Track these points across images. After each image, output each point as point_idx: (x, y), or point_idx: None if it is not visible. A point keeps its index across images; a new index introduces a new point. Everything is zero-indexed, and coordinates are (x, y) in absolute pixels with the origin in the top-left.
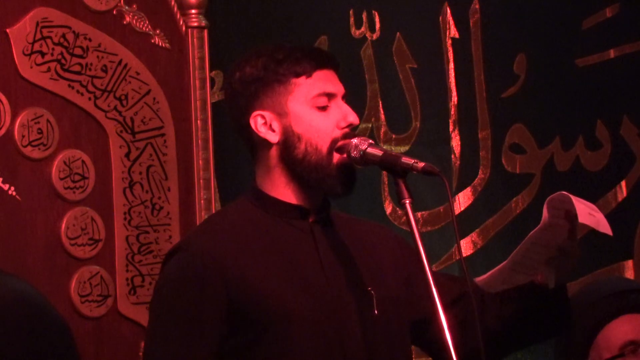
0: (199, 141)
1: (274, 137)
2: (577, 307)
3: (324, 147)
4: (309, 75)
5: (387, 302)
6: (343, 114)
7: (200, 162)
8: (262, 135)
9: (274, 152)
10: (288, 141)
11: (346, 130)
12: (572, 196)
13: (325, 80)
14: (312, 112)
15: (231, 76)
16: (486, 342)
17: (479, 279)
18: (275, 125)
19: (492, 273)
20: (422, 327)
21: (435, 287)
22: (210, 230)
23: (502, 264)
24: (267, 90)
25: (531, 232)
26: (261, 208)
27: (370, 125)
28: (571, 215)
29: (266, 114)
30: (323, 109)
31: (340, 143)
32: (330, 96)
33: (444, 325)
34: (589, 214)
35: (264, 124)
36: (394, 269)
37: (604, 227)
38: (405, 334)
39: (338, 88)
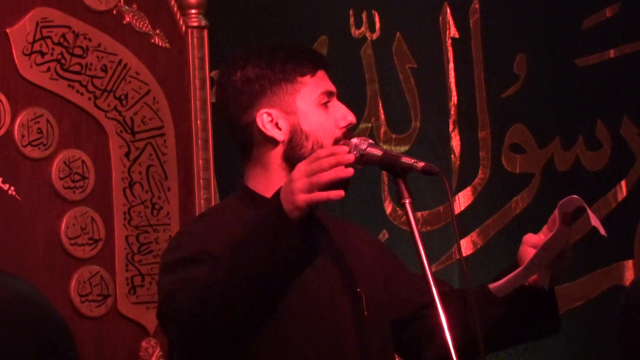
0: (199, 141)
1: (280, 135)
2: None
3: (328, 146)
4: (313, 74)
5: (375, 303)
6: (342, 114)
7: (200, 162)
8: (268, 133)
9: (278, 151)
10: (295, 139)
11: (345, 130)
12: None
13: (325, 79)
14: (318, 110)
15: (229, 75)
16: (469, 342)
17: (492, 286)
18: (282, 123)
19: (508, 279)
20: (398, 327)
21: (435, 287)
22: (207, 224)
23: (516, 271)
24: (274, 88)
25: (545, 239)
26: (253, 209)
27: (370, 125)
28: (568, 218)
29: (273, 111)
30: (325, 107)
31: (341, 143)
32: (330, 95)
33: (443, 325)
34: (594, 217)
35: (270, 122)
36: (374, 269)
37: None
38: (390, 335)
39: (334, 87)
